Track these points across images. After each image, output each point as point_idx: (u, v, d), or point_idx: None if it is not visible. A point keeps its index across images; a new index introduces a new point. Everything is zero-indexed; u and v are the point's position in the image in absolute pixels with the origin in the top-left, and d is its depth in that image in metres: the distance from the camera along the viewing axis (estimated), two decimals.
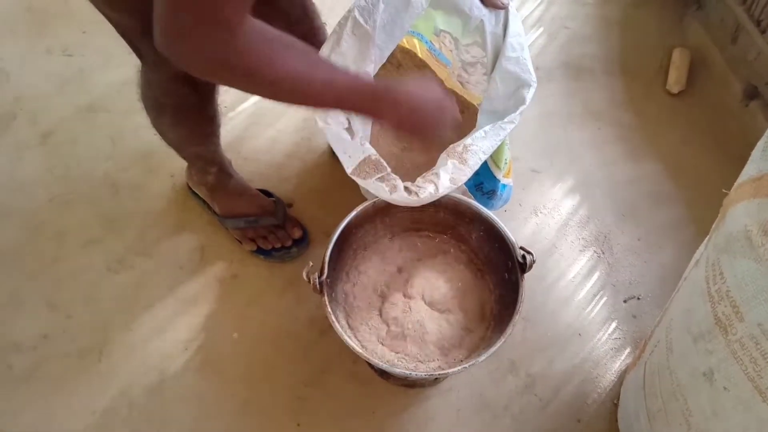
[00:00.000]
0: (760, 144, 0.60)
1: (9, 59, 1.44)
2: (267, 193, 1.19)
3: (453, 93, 1.09)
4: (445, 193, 0.86)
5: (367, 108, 0.73)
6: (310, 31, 1.05)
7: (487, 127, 0.88)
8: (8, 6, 1.54)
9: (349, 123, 0.93)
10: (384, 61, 0.96)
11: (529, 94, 0.90)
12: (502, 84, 0.92)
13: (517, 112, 0.89)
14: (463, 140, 0.88)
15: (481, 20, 0.89)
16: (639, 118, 1.39)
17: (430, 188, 0.85)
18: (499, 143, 0.90)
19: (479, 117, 0.96)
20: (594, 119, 1.38)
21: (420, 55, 1.10)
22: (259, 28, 0.61)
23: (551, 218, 1.23)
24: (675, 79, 1.41)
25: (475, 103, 1.05)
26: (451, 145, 0.89)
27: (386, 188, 0.86)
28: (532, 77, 0.91)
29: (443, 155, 0.89)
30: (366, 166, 0.87)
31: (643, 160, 1.32)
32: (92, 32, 1.48)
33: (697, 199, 1.25)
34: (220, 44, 0.58)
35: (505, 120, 0.89)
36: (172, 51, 0.59)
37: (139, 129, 1.28)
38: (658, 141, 1.35)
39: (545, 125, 1.37)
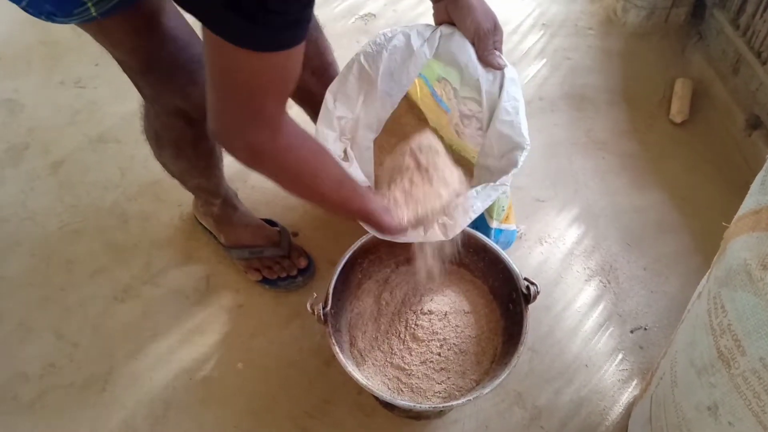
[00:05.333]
0: (758, 178, 0.60)
1: (23, 91, 1.47)
2: (272, 223, 1.20)
3: (450, 145, 1.11)
4: (431, 240, 0.87)
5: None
6: (321, 66, 1.08)
7: (479, 188, 0.90)
8: (23, 40, 1.58)
9: (345, 152, 0.96)
10: (396, 106, 0.99)
11: (522, 157, 0.92)
12: (497, 144, 0.94)
13: (509, 175, 0.91)
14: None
15: (477, 79, 0.91)
16: (643, 148, 1.39)
17: (420, 230, 0.87)
18: (489, 204, 0.91)
19: (476, 171, 0.99)
20: (598, 149, 1.39)
21: (419, 95, 1.12)
22: (294, 126, 0.66)
23: (556, 248, 1.23)
24: (678, 109, 1.42)
25: (469, 156, 1.06)
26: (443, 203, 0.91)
27: None
28: (526, 141, 0.92)
29: None
30: None
31: (647, 189, 1.32)
32: (104, 65, 1.52)
33: (702, 228, 1.25)
34: (265, 141, 0.63)
35: (497, 183, 0.90)
36: (222, 142, 0.64)
37: (147, 159, 1.31)
38: (662, 170, 1.35)
39: (549, 155, 1.38)
